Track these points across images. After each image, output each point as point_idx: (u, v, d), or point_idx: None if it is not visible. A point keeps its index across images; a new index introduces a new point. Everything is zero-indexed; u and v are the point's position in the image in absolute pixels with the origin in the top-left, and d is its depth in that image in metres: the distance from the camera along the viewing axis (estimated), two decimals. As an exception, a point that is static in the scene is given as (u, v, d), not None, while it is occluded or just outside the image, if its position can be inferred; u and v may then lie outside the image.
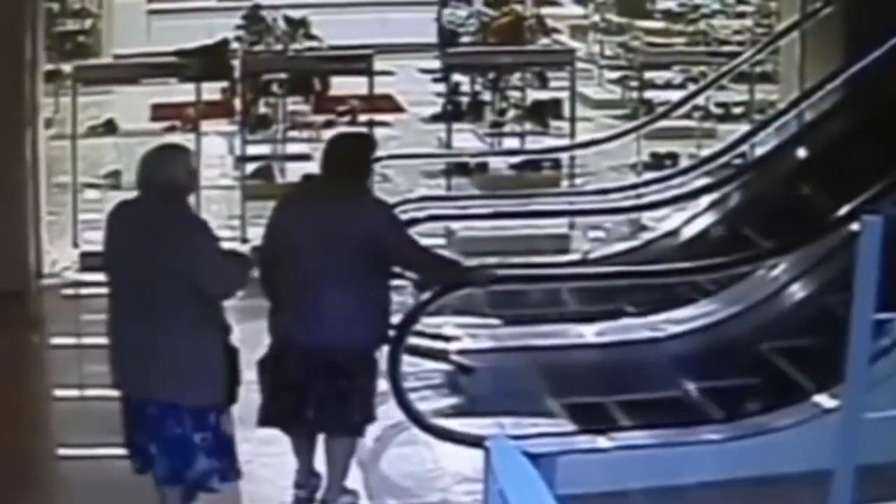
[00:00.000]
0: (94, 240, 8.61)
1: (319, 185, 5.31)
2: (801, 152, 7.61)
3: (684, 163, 9.18)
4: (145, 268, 4.67)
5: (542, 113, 10.45)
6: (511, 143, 10.36)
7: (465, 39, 12.45)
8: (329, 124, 10.27)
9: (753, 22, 13.26)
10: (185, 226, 4.73)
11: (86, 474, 5.55)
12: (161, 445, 4.78)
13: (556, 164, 9.73)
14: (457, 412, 5.98)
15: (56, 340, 7.15)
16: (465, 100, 10.92)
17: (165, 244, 4.65)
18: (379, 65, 9.37)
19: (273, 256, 5.26)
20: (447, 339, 6.49)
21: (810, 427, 5.30)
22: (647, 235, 8.02)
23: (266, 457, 5.80)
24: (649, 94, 10.99)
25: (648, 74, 11.13)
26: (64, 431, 5.99)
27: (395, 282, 7.07)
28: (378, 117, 9.66)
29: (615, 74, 13.13)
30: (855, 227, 4.39)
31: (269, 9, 12.11)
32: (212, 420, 4.80)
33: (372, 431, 5.86)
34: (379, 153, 9.02)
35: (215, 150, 9.96)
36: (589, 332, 6.56)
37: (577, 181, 9.37)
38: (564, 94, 10.00)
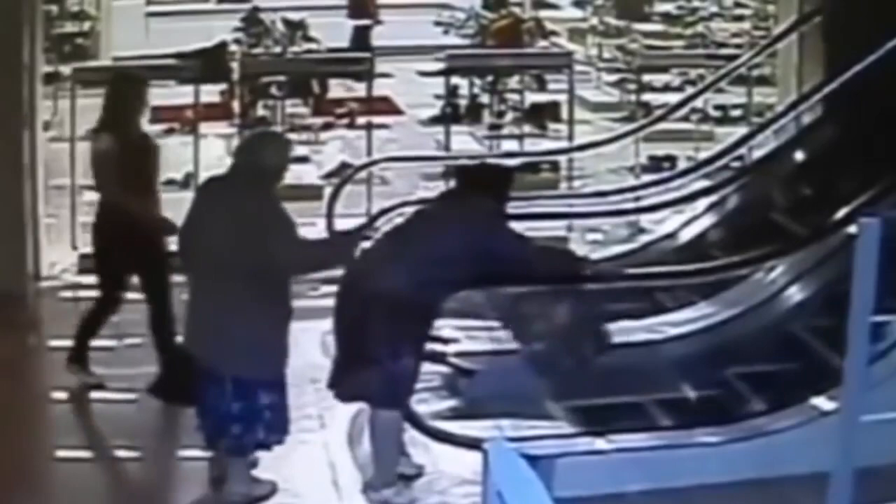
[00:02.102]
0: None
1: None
2: (799, 155, 7.62)
3: (682, 165, 9.18)
4: (218, 242, 4.99)
5: (541, 115, 10.46)
6: (509, 145, 10.36)
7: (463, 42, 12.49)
8: (327, 126, 10.30)
9: (751, 25, 13.29)
10: (262, 207, 5.00)
11: (83, 476, 5.55)
12: (203, 410, 5.15)
13: (555, 167, 9.73)
14: (455, 414, 5.98)
15: (54, 343, 7.14)
16: (463, 102, 10.93)
17: (239, 222, 4.96)
18: (378, 67, 9.38)
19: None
20: (446, 341, 6.49)
21: (808, 429, 5.30)
22: (645, 238, 8.02)
23: (270, 458, 5.81)
24: (647, 97, 11.00)
25: (646, 77, 11.14)
26: (61, 433, 5.99)
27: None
28: (376, 119, 9.66)
29: (613, 77, 13.14)
30: (853, 229, 4.39)
31: (267, 11, 12.13)
32: (257, 392, 5.02)
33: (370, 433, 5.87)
34: (377, 155, 9.08)
35: (214, 153, 9.96)
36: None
37: (576, 183, 9.38)
38: (563, 97, 10.01)
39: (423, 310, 5.18)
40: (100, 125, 6.40)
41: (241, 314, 4.96)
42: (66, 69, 10.03)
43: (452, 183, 8.91)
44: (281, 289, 5.08)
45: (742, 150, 8.02)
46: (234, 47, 11.19)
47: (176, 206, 8.86)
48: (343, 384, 5.35)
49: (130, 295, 7.81)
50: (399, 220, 5.81)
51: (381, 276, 5.20)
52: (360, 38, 13.30)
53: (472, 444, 5.17)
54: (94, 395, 6.34)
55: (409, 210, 6.00)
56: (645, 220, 8.26)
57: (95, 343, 7.06)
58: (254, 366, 5.03)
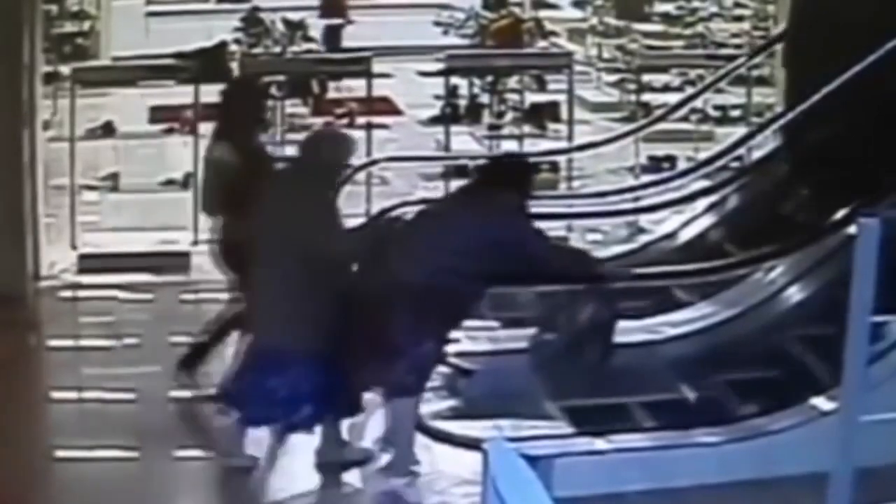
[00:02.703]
0: (92, 241, 8.66)
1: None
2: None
3: (682, 165, 9.18)
4: (275, 228, 5.29)
5: (540, 116, 10.46)
6: (509, 145, 10.36)
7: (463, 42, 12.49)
8: (327, 126, 10.27)
9: (751, 25, 13.28)
10: (313, 197, 5.26)
11: (83, 476, 5.55)
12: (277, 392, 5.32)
13: (554, 167, 9.73)
14: (455, 415, 5.98)
15: (54, 342, 7.14)
16: (463, 102, 10.93)
17: (293, 211, 5.26)
18: (377, 67, 9.38)
19: None
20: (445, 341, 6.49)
21: (808, 429, 5.30)
22: (644, 238, 8.02)
23: (266, 459, 5.81)
24: (647, 97, 11.00)
25: (646, 77, 11.14)
26: (61, 433, 5.99)
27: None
28: (376, 120, 9.66)
29: (613, 77, 13.14)
30: (852, 229, 4.39)
31: (267, 11, 12.14)
32: (297, 369, 5.19)
33: (371, 433, 5.87)
34: (377, 155, 9.08)
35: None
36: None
37: (575, 184, 9.38)
38: (562, 97, 10.01)
39: (442, 299, 5.20)
40: (214, 136, 6.18)
41: (303, 299, 5.19)
42: (65, 69, 10.02)
43: (458, 181, 9.05)
44: (337, 275, 5.27)
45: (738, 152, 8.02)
46: (233, 47, 11.19)
47: (176, 206, 8.94)
48: (356, 370, 5.38)
49: (128, 295, 7.84)
50: (420, 209, 5.88)
51: (400, 264, 5.24)
52: (331, 38, 13.26)
53: (472, 444, 5.18)
54: (95, 395, 6.33)
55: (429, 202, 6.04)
56: (644, 220, 8.26)
57: (93, 343, 7.07)
58: (317, 344, 5.20)
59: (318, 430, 5.50)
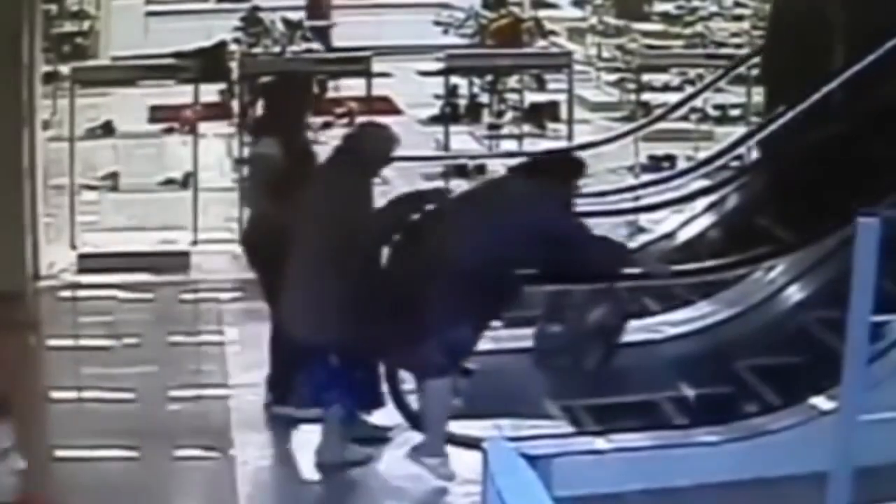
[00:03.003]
0: (92, 241, 8.66)
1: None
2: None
3: (682, 165, 9.18)
4: (313, 218, 5.43)
5: (540, 115, 10.46)
6: (509, 145, 10.36)
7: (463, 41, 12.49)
8: (327, 126, 10.28)
9: (751, 24, 13.27)
10: (352, 188, 5.37)
11: (82, 476, 5.55)
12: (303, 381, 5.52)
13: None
14: (455, 414, 5.98)
15: (53, 342, 7.14)
16: (462, 102, 10.92)
17: (331, 201, 5.37)
18: (377, 66, 9.38)
19: None
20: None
21: (807, 429, 5.30)
22: (643, 237, 8.02)
23: (264, 458, 5.81)
24: (647, 97, 10.99)
25: (646, 77, 11.13)
26: (61, 433, 5.99)
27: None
28: (376, 119, 9.65)
29: (613, 77, 13.14)
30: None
31: (267, 11, 12.13)
32: (325, 357, 5.27)
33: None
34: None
35: (214, 152, 9.97)
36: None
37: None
38: (562, 97, 10.01)
39: (481, 283, 5.21)
40: (259, 130, 6.13)
41: (335, 287, 5.27)
42: (65, 68, 10.02)
43: (458, 180, 9.08)
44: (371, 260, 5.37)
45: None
46: (233, 47, 11.19)
47: (175, 206, 8.94)
48: (388, 352, 5.42)
49: (127, 294, 7.84)
50: (464, 192, 6.01)
51: (441, 245, 5.29)
52: (319, 40, 13.21)
53: (472, 443, 5.17)
54: (94, 394, 6.33)
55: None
56: (644, 219, 8.25)
57: (92, 343, 7.06)
58: (343, 336, 5.26)
59: (320, 429, 5.51)
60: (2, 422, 2.44)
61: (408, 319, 5.23)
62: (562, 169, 5.67)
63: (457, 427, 5.67)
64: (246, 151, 9.18)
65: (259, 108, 6.32)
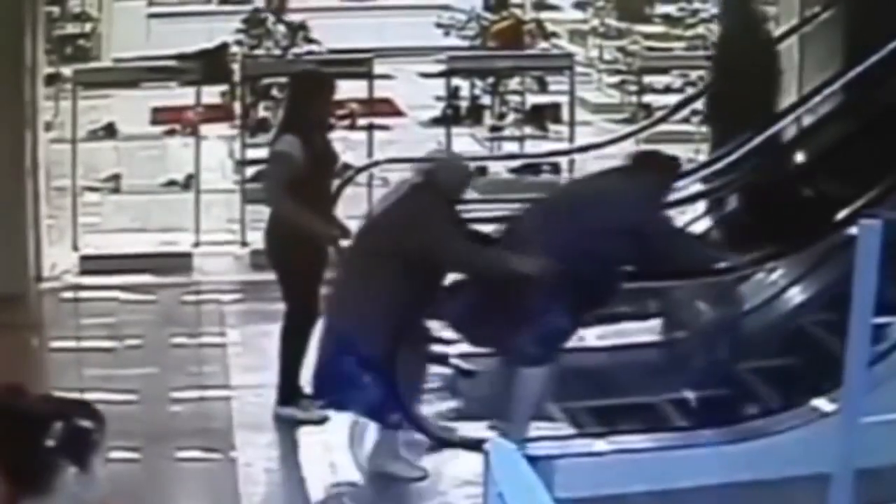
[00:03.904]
0: (94, 243, 8.67)
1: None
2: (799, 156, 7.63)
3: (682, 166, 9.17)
4: (368, 231, 5.55)
5: (542, 117, 10.46)
6: (510, 147, 10.36)
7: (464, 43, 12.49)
8: (329, 128, 10.26)
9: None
10: (420, 210, 5.39)
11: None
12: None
13: (556, 168, 9.74)
14: (457, 415, 5.98)
15: (55, 344, 7.15)
16: (464, 104, 10.92)
17: (398, 220, 5.43)
18: (378, 68, 9.38)
19: None
20: (447, 342, 6.49)
21: (809, 431, 5.30)
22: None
23: (266, 460, 5.81)
24: (648, 98, 11.00)
25: (647, 79, 11.14)
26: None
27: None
28: (378, 121, 9.66)
29: (614, 79, 13.14)
30: (853, 231, 4.38)
31: (269, 12, 12.12)
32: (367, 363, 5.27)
33: (371, 435, 5.87)
34: (378, 157, 9.08)
35: (215, 154, 9.97)
36: (590, 336, 6.55)
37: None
38: (563, 99, 10.01)
39: (579, 275, 5.26)
40: (281, 128, 6.08)
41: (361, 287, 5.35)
42: (67, 70, 10.02)
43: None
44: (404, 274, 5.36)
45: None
46: (235, 49, 11.18)
47: (177, 208, 8.94)
48: (480, 338, 5.48)
49: (129, 296, 7.84)
50: (561, 187, 6.18)
51: (539, 237, 5.35)
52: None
53: (474, 444, 5.17)
54: (97, 396, 6.33)
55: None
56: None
57: (95, 344, 7.07)
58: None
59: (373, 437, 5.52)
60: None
61: (506, 309, 5.28)
62: (656, 167, 5.76)
63: (458, 428, 5.67)
64: (248, 153, 9.23)
65: (283, 104, 6.25)
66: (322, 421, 5.91)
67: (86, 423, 2.43)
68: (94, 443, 2.44)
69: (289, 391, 6.01)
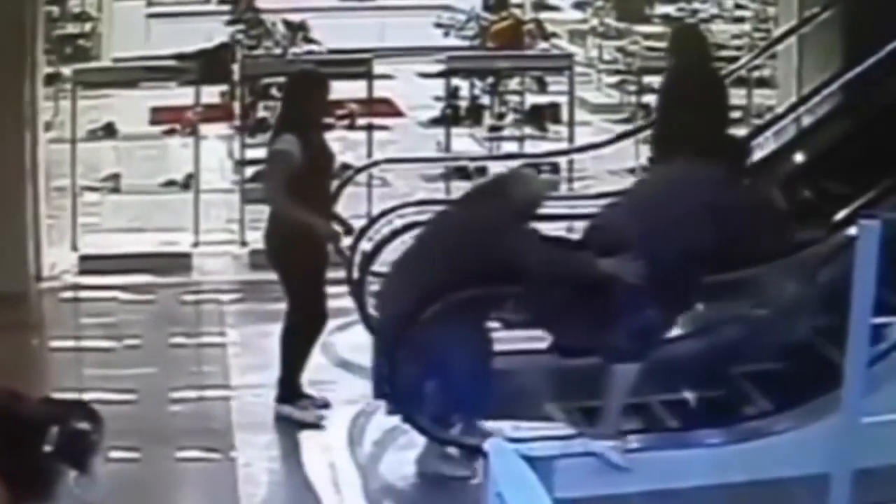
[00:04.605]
0: (93, 243, 8.67)
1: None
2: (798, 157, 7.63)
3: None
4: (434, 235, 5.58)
5: (541, 117, 10.45)
6: (510, 146, 10.36)
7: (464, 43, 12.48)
8: (328, 128, 10.27)
9: (751, 27, 13.28)
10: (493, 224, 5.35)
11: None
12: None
13: (555, 168, 9.73)
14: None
15: (55, 343, 7.15)
16: (464, 104, 10.92)
17: (476, 223, 5.40)
18: (378, 68, 9.38)
19: None
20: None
21: (808, 431, 5.30)
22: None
23: (266, 460, 5.81)
24: (647, 99, 10.99)
25: (647, 79, 11.12)
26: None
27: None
28: (377, 121, 9.66)
29: (614, 79, 13.14)
30: (853, 230, 4.38)
31: (268, 13, 12.13)
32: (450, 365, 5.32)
33: (370, 435, 5.88)
34: (377, 157, 9.08)
35: (215, 154, 9.97)
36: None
37: (576, 185, 9.38)
38: (563, 99, 10.01)
39: (669, 267, 5.28)
40: (279, 128, 6.08)
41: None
42: (67, 70, 10.02)
43: (459, 182, 9.08)
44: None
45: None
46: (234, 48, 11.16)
47: (177, 208, 8.94)
48: (572, 336, 5.50)
49: (129, 296, 7.84)
50: (640, 180, 6.21)
51: (623, 236, 5.38)
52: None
53: (473, 445, 5.17)
54: (96, 396, 6.33)
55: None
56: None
57: (94, 344, 7.06)
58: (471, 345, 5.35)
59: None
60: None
61: (597, 306, 5.31)
62: (728, 152, 5.78)
63: (457, 428, 5.66)
64: (247, 153, 9.23)
65: (280, 105, 6.23)
66: (319, 422, 5.91)
67: (83, 426, 2.42)
68: (92, 445, 2.43)
69: (289, 390, 6.00)
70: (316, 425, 5.90)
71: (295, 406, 5.98)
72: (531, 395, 5.79)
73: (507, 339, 5.84)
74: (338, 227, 6.18)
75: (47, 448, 2.35)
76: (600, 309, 5.31)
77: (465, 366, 5.31)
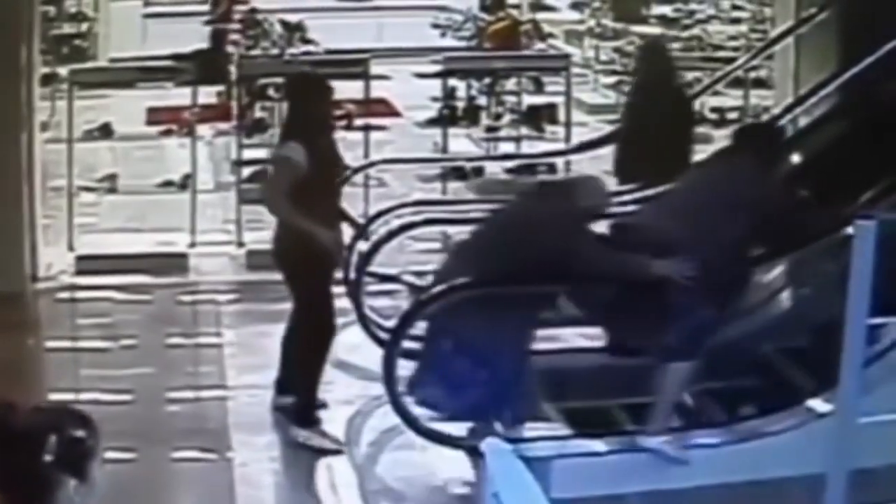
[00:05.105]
0: (90, 243, 8.66)
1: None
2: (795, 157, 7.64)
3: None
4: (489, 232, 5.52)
5: (538, 117, 10.46)
6: (507, 147, 10.37)
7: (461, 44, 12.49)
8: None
9: (748, 28, 13.29)
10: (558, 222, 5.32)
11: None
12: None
13: (552, 169, 9.74)
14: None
15: (51, 344, 7.14)
16: (461, 104, 10.93)
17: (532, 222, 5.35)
18: (375, 69, 9.38)
19: None
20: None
21: (805, 431, 5.30)
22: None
23: (266, 461, 5.81)
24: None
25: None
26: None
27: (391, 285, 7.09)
28: (374, 121, 9.66)
29: (610, 79, 13.15)
30: (849, 231, 4.39)
31: (265, 13, 12.13)
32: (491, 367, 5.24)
33: (367, 435, 5.87)
34: (374, 157, 9.08)
35: (212, 154, 9.97)
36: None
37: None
38: (560, 99, 10.01)
39: (720, 265, 5.29)
40: (285, 134, 5.96)
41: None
42: (63, 70, 10.02)
43: (455, 183, 9.08)
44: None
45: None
46: (231, 49, 11.18)
47: (173, 208, 8.94)
48: (624, 335, 5.51)
49: (125, 296, 7.83)
50: (687, 175, 6.09)
51: (668, 233, 5.39)
52: (216, 40, 13.08)
53: (469, 445, 5.17)
54: (92, 396, 6.33)
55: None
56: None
57: (90, 344, 7.06)
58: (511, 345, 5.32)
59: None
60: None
61: (649, 306, 5.32)
62: (763, 140, 5.79)
63: (453, 429, 5.67)
64: (244, 154, 9.23)
65: (285, 109, 6.14)
66: (340, 447, 5.77)
67: (80, 433, 2.41)
68: (90, 452, 2.42)
69: (308, 411, 5.84)
70: (338, 451, 5.76)
71: (313, 431, 5.81)
72: (575, 394, 5.79)
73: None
74: (347, 227, 6.12)
75: (47, 458, 2.34)
76: (654, 309, 5.33)
77: (510, 364, 5.29)
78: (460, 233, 8.46)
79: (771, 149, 5.83)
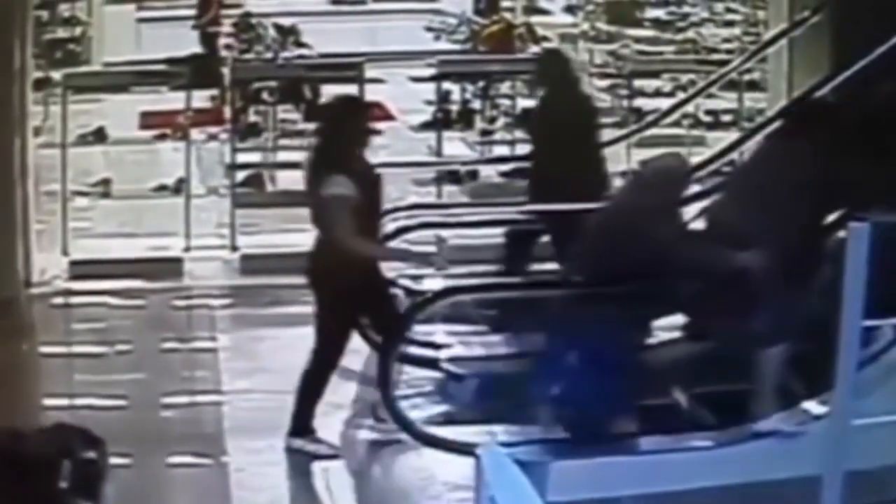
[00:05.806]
0: (84, 248, 8.65)
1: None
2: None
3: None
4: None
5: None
6: (501, 150, 10.37)
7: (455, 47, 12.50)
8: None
9: (742, 30, 13.31)
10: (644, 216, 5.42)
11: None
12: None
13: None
14: (448, 420, 5.97)
15: (45, 349, 7.13)
16: (455, 108, 10.93)
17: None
18: (369, 72, 9.38)
19: None
20: (438, 346, 6.49)
21: (800, 433, 5.31)
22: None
23: (259, 465, 5.80)
24: (639, 102, 11.00)
25: (638, 83, 11.15)
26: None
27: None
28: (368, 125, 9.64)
29: (605, 82, 13.15)
30: (843, 233, 4.39)
31: (259, 17, 12.13)
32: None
33: (364, 439, 5.86)
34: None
35: (206, 158, 9.96)
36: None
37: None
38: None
39: (784, 246, 5.34)
40: (319, 160, 5.76)
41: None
42: (57, 75, 10.01)
43: (450, 186, 9.06)
44: None
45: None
46: (225, 53, 11.18)
47: (168, 212, 8.93)
48: (715, 324, 5.54)
49: (119, 301, 7.82)
50: (739, 166, 6.30)
51: (746, 224, 5.46)
52: (207, 44, 13.09)
53: (465, 449, 5.17)
54: (87, 402, 6.32)
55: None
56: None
57: (85, 349, 7.05)
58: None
59: None
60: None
61: (738, 295, 5.35)
62: (814, 117, 5.86)
63: (449, 433, 5.67)
64: (238, 158, 9.22)
65: (318, 138, 5.94)
66: (333, 453, 5.74)
67: (91, 455, 2.38)
68: (101, 473, 2.39)
69: (301, 424, 5.80)
70: (332, 456, 5.74)
71: (306, 439, 5.78)
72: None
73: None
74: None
75: (63, 485, 2.31)
76: (741, 300, 5.38)
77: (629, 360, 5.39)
78: (455, 236, 8.51)
79: (825, 126, 5.85)
